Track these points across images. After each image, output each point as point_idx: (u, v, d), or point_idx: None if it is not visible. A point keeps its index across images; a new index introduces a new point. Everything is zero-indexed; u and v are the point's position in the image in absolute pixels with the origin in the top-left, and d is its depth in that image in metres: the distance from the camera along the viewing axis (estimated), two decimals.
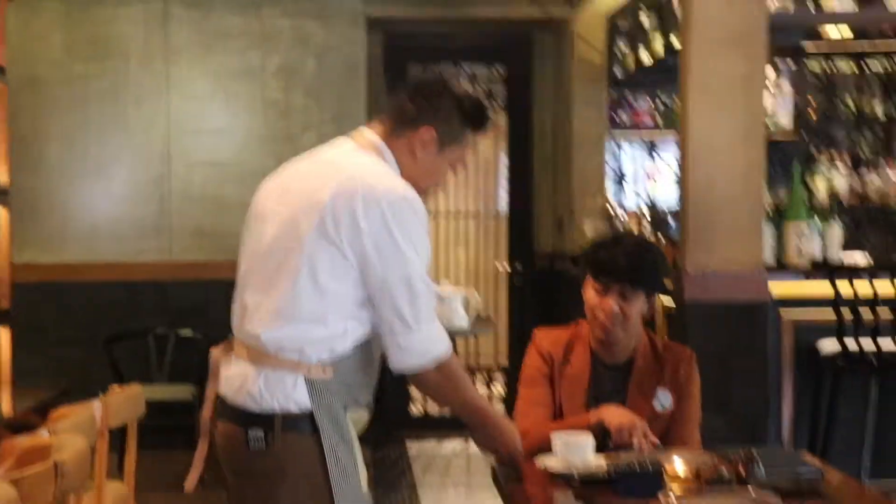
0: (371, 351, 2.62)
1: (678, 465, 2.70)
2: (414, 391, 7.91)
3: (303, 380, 2.53)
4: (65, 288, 7.01)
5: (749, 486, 2.62)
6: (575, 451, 2.83)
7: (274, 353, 2.54)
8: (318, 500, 2.53)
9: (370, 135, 2.69)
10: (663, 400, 3.24)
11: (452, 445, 7.45)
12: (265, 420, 2.53)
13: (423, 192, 2.66)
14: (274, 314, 2.54)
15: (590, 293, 3.27)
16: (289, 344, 2.53)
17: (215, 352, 2.73)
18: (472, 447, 7.33)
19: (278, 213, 2.60)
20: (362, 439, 2.68)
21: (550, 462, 2.88)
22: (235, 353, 2.64)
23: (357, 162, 2.62)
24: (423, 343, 2.54)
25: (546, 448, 2.97)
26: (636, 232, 6.46)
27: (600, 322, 3.22)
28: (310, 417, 2.52)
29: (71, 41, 7.06)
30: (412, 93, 2.71)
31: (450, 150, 2.69)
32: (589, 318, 3.27)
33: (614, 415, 3.07)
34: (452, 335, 2.96)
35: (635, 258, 3.21)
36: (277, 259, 2.56)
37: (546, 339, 3.37)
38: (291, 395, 2.52)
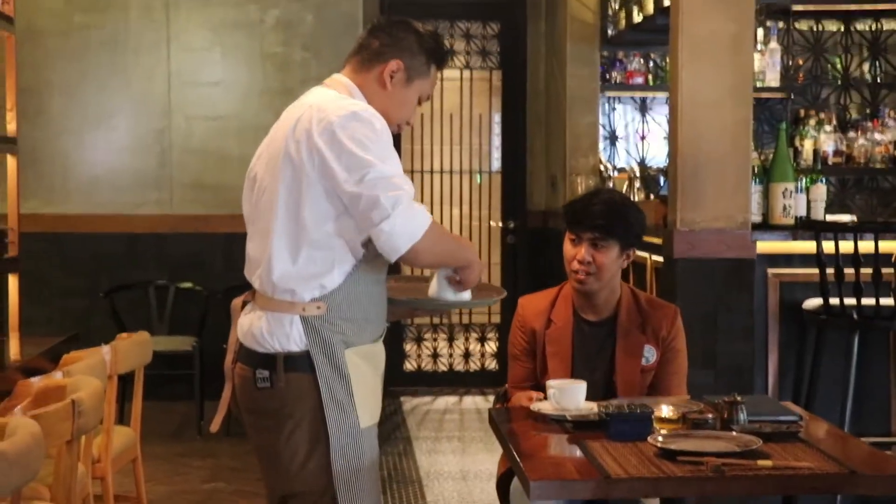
0: (367, 282, 2.72)
1: (666, 410, 2.84)
2: (408, 347, 8.04)
3: (298, 319, 2.66)
4: (66, 239, 7.10)
5: (733, 430, 2.77)
6: (568, 396, 2.96)
7: (271, 295, 2.69)
8: (318, 435, 2.67)
9: (339, 76, 2.83)
10: (648, 355, 3.35)
11: (446, 401, 7.59)
12: (269, 360, 2.68)
13: (392, 125, 2.77)
14: (266, 257, 2.69)
15: (566, 244, 3.37)
16: (281, 284, 2.67)
17: (235, 301, 2.87)
18: (465, 402, 7.49)
19: (261, 167, 2.76)
20: None
21: (545, 406, 3.01)
22: (252, 301, 2.79)
23: (317, 95, 2.76)
24: (406, 223, 2.60)
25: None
26: (625, 190, 6.58)
27: (574, 273, 3.33)
28: (308, 356, 2.66)
29: None
30: (376, 29, 2.84)
31: (417, 83, 2.82)
32: (567, 269, 3.37)
33: None
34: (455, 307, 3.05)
35: (607, 209, 3.30)
36: (264, 206, 2.72)
37: (528, 308, 3.48)
38: (290, 336, 2.67)
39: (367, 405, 2.73)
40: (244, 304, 2.83)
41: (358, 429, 2.69)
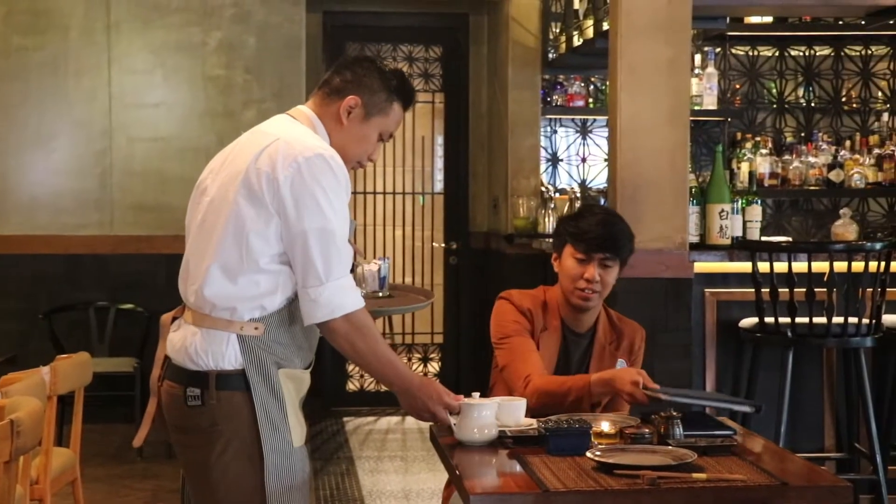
0: None
1: (604, 424, 2.89)
2: (351, 368, 8.04)
3: (235, 338, 2.67)
4: (4, 260, 7.01)
5: (669, 445, 2.82)
6: (508, 412, 2.99)
7: (209, 312, 2.69)
8: (250, 453, 2.67)
9: (304, 108, 2.86)
10: (619, 367, 3.42)
11: (388, 420, 7.59)
12: (201, 378, 2.68)
13: (352, 161, 2.82)
14: (206, 274, 2.69)
15: (569, 262, 3.39)
16: (221, 302, 2.67)
17: (164, 316, 2.86)
18: (408, 422, 7.49)
19: (215, 182, 2.76)
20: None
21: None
22: (183, 317, 2.79)
23: (284, 128, 2.78)
24: (332, 297, 2.64)
25: (549, 401, 3.16)
26: (566, 211, 6.64)
27: (581, 290, 3.36)
28: (242, 375, 2.66)
29: (11, 13, 7.05)
30: (340, 66, 2.88)
31: (376, 120, 2.83)
32: (568, 286, 3.39)
33: (624, 373, 3.17)
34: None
35: (614, 229, 3.38)
36: (210, 222, 2.72)
37: (524, 299, 3.47)
38: (225, 354, 2.67)
39: (298, 426, 2.74)
40: (174, 319, 2.83)
41: (291, 447, 2.70)
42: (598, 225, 3.37)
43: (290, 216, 2.63)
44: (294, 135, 2.73)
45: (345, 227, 2.68)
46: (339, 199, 2.67)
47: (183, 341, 2.73)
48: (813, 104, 7.40)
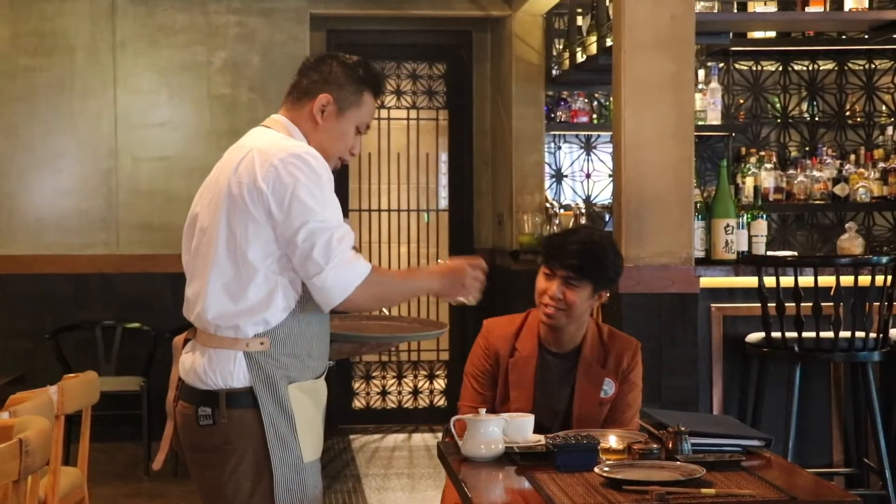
0: (309, 320, 2.76)
1: (612, 440, 2.89)
2: (357, 385, 8.04)
3: (242, 355, 2.68)
4: (11, 280, 7.04)
5: (677, 460, 2.81)
6: (516, 428, 2.99)
7: (213, 332, 2.71)
8: (262, 470, 2.68)
9: (277, 116, 2.87)
10: (607, 388, 3.39)
11: (395, 438, 7.59)
12: (212, 397, 2.70)
13: (333, 158, 2.83)
14: (207, 294, 2.71)
15: (539, 277, 3.39)
16: (224, 321, 2.69)
17: (177, 338, 2.88)
18: (414, 439, 7.49)
19: (204, 209, 2.79)
20: None
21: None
22: (194, 338, 2.81)
23: (258, 138, 2.79)
24: (338, 276, 2.65)
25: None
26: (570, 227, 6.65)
27: (544, 307, 3.35)
28: (251, 392, 2.68)
29: (17, 34, 7.09)
30: (304, 68, 2.88)
31: (351, 114, 2.84)
32: (537, 302, 3.40)
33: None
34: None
35: (584, 249, 3.31)
36: (205, 245, 2.74)
37: (494, 332, 3.50)
38: (233, 372, 2.69)
39: (310, 440, 2.75)
40: (186, 341, 2.84)
41: (301, 464, 2.72)
42: (572, 244, 3.33)
43: (278, 219, 2.65)
44: (267, 141, 2.75)
45: (335, 214, 2.68)
46: (321, 190, 2.67)
47: (192, 362, 2.76)
48: (817, 118, 7.41)
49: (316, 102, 2.81)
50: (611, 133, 6.09)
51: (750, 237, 4.98)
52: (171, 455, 2.89)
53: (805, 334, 4.50)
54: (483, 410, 2.94)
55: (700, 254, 4.84)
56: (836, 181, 6.80)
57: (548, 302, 3.34)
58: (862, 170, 6.82)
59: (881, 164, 6.82)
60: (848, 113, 7.40)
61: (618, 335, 3.50)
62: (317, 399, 2.81)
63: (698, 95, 6.50)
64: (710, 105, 6.66)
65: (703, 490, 2.56)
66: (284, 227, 2.65)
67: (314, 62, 2.89)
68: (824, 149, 7.08)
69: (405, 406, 8.10)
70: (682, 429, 2.88)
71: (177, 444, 2.85)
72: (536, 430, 3.04)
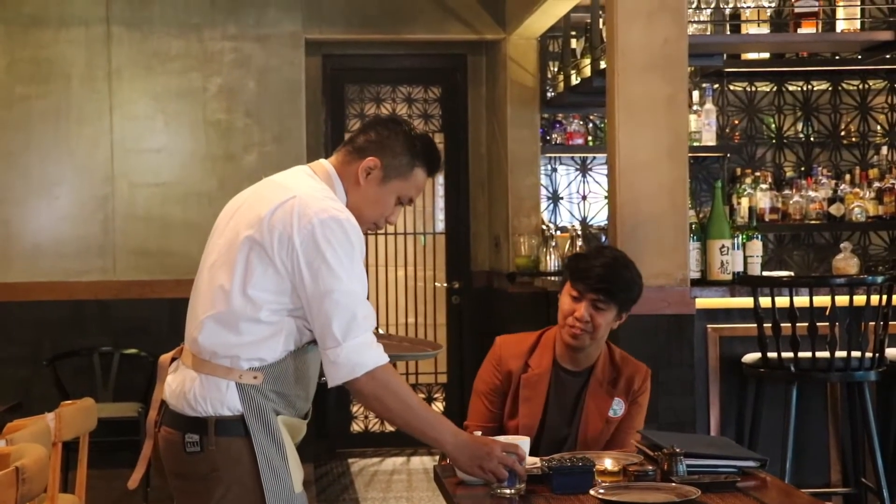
0: (305, 362, 2.74)
1: (608, 462, 2.89)
2: (356, 409, 8.03)
3: (234, 385, 2.65)
4: (8, 307, 7.02)
5: (672, 482, 2.81)
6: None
7: (208, 358, 2.68)
8: (251, 500, 2.65)
9: (325, 163, 2.84)
10: (617, 407, 3.42)
11: (394, 461, 7.57)
12: (200, 424, 2.66)
13: (368, 222, 2.81)
14: (208, 321, 2.68)
15: (565, 298, 3.41)
16: (221, 350, 2.66)
17: (163, 357, 2.85)
18: (413, 463, 7.47)
19: (228, 228, 2.76)
20: (303, 454, 2.80)
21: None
22: (182, 360, 2.78)
23: (302, 184, 2.75)
24: (351, 357, 2.62)
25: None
26: (567, 249, 6.66)
27: (570, 328, 3.38)
28: (241, 421, 2.64)
29: (13, 62, 7.10)
30: (367, 125, 2.86)
31: (395, 184, 2.81)
32: (560, 322, 3.41)
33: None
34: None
35: (612, 272, 3.36)
36: (218, 266, 2.71)
37: (507, 348, 3.51)
38: (224, 401, 2.65)
39: (297, 471, 2.73)
40: (172, 360, 2.81)
41: (293, 494, 2.69)
42: (600, 266, 3.36)
43: (306, 279, 2.62)
44: (311, 193, 2.70)
45: (362, 288, 2.66)
46: (352, 261, 2.64)
47: (181, 386, 2.72)
48: (812, 138, 7.43)
49: (363, 163, 2.78)
50: (606, 155, 6.12)
51: (745, 258, 4.99)
52: (162, 480, 2.85)
53: (801, 354, 4.50)
54: (478, 433, 2.94)
55: (696, 275, 4.84)
56: (831, 201, 6.83)
57: (574, 323, 3.36)
58: (857, 189, 6.84)
59: (876, 184, 6.84)
60: (843, 133, 7.43)
61: (630, 359, 3.53)
62: (295, 436, 2.78)
63: (693, 116, 6.53)
64: (704, 126, 6.68)
65: None
66: (310, 288, 2.62)
67: (379, 122, 2.86)
68: (819, 169, 7.11)
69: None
70: (678, 450, 2.89)
71: (157, 465, 2.82)
72: (544, 447, 3.05)
